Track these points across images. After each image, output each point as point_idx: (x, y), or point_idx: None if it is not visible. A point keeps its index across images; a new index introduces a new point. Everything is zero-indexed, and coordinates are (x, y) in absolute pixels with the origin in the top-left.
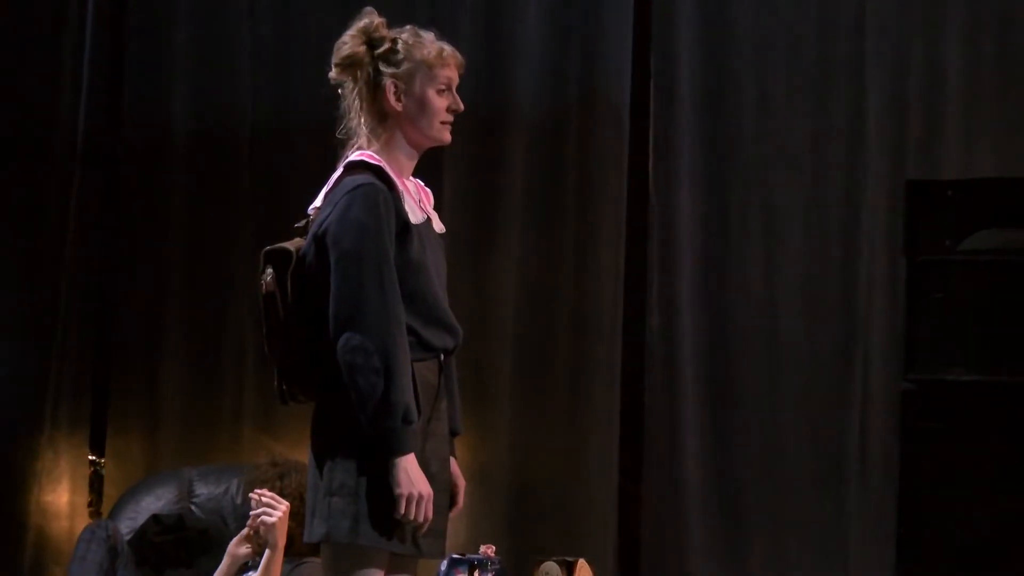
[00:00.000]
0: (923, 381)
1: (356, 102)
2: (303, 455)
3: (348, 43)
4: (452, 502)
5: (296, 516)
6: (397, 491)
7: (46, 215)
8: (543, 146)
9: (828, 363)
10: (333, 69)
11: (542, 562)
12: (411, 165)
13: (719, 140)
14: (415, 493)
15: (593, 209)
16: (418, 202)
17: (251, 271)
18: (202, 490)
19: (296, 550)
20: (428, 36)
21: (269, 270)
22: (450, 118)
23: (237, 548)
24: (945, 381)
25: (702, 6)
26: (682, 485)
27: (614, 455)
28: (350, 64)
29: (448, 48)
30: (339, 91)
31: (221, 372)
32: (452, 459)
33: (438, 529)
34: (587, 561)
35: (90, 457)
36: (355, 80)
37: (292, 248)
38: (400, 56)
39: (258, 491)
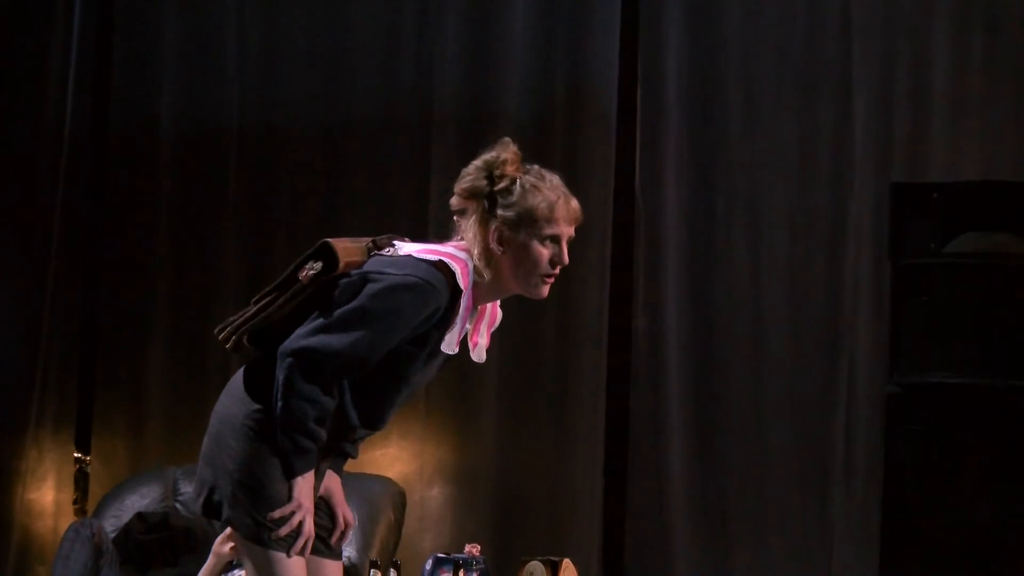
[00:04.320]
0: (907, 384)
1: (471, 233)
2: None
3: (472, 175)
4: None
5: None
6: (291, 504)
7: (33, 214)
8: (530, 147)
9: (813, 365)
10: (455, 195)
11: (527, 562)
12: (494, 299)
13: (705, 142)
14: (305, 505)
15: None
16: (462, 329)
17: (237, 269)
18: (187, 489)
19: None
20: (549, 183)
21: (317, 264)
22: (551, 271)
23: (222, 547)
24: (929, 383)
25: (689, 8)
26: (667, 486)
27: (599, 456)
28: (468, 195)
29: (563, 201)
30: (454, 217)
31: (206, 371)
32: (336, 477)
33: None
34: (571, 561)
35: (76, 455)
36: (472, 210)
37: (342, 259)
38: (513, 199)
39: None
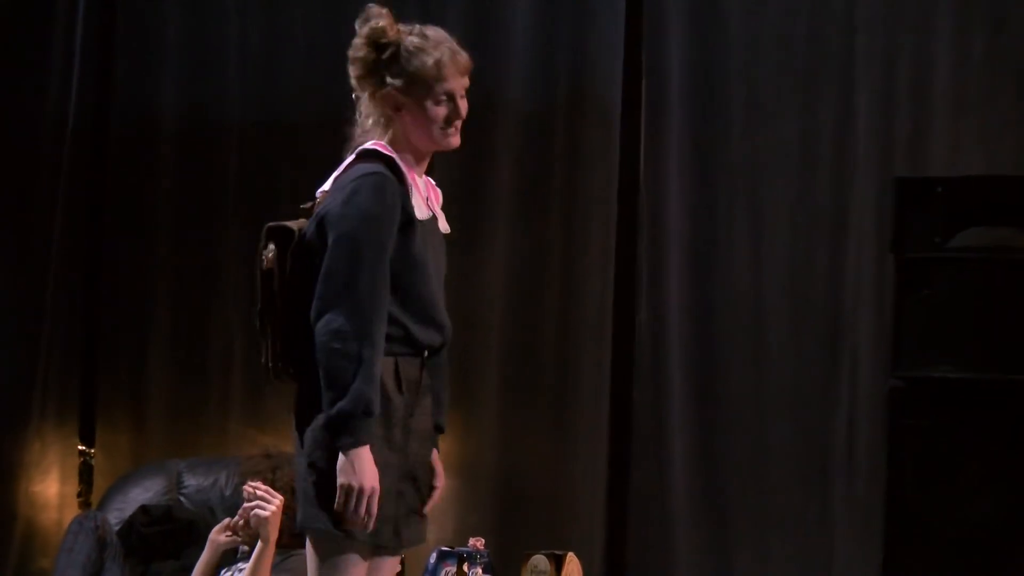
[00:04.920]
0: (910, 378)
1: (367, 105)
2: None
3: (356, 48)
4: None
5: (287, 510)
6: (340, 480)
7: (34, 209)
8: (532, 142)
9: (815, 360)
10: (351, 75)
11: (531, 556)
12: (421, 165)
13: (708, 136)
14: (356, 486)
15: (582, 206)
16: (426, 200)
17: (238, 264)
18: (191, 482)
19: (284, 543)
20: (433, 40)
21: (271, 247)
22: (451, 127)
23: (219, 535)
24: (932, 378)
25: (693, 2)
26: (670, 481)
27: (603, 450)
28: (358, 70)
29: (448, 57)
30: (352, 95)
31: (210, 364)
32: (435, 454)
33: (406, 521)
34: (575, 555)
35: (80, 448)
36: (365, 84)
37: (294, 227)
38: (399, 66)
39: (252, 484)
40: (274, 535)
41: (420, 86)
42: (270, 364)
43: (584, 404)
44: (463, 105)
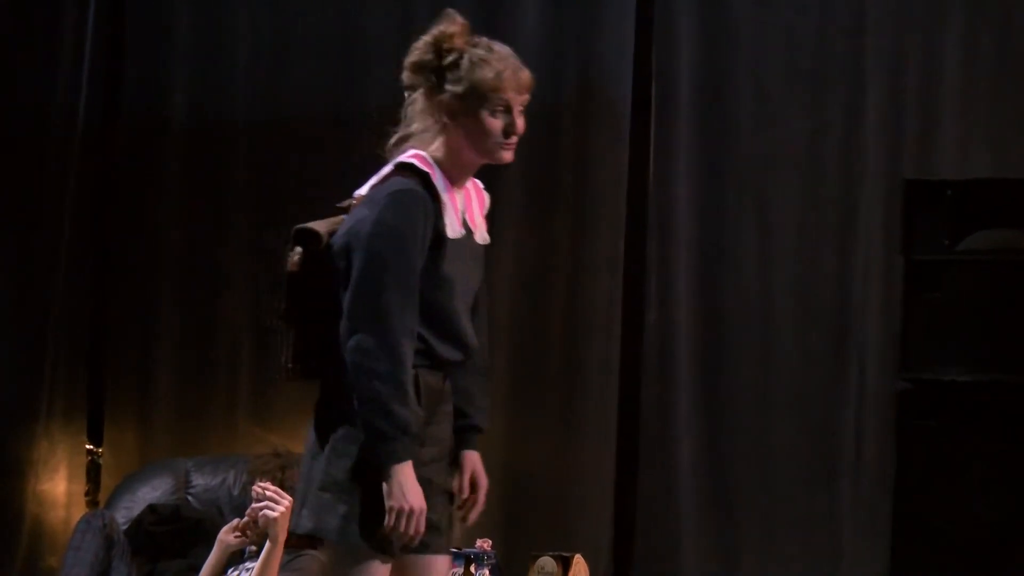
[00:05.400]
0: (918, 380)
1: (418, 107)
2: (300, 447)
3: (420, 49)
4: (454, 501)
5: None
6: (388, 503)
7: (43, 204)
8: (541, 143)
9: (823, 361)
10: (404, 70)
11: (538, 557)
12: (465, 176)
13: (717, 136)
14: (406, 507)
15: (591, 206)
16: (460, 213)
17: (246, 263)
18: (199, 481)
19: (292, 543)
20: (497, 54)
21: (298, 249)
22: (505, 140)
23: (228, 535)
24: (940, 380)
25: (701, 2)
26: (677, 481)
27: (610, 450)
28: (416, 70)
29: (510, 71)
30: (405, 92)
31: (217, 362)
32: (475, 455)
33: (432, 530)
34: (582, 556)
35: (87, 446)
36: (421, 86)
37: (323, 231)
38: (461, 73)
39: (261, 484)
40: (283, 535)
41: (478, 96)
42: (288, 365)
43: (592, 403)
44: (520, 121)
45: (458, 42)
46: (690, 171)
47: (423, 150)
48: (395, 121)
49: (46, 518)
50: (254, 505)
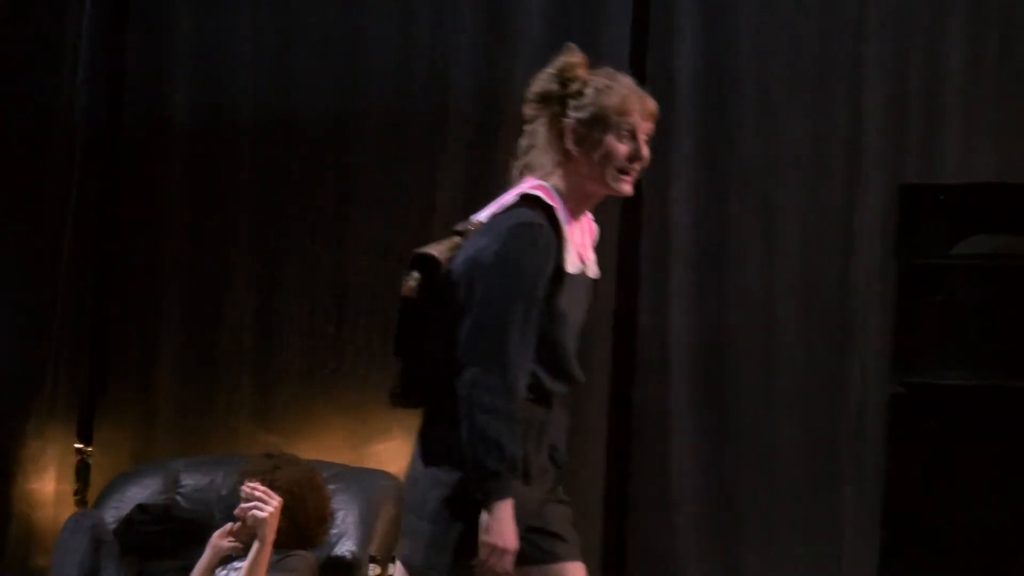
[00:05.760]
0: (914, 384)
1: (541, 138)
2: (297, 449)
3: (543, 80)
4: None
5: (286, 511)
6: (483, 538)
7: (44, 204)
8: None
9: (822, 365)
10: (526, 103)
11: None
12: (583, 209)
13: (717, 139)
14: (500, 544)
15: None
16: (577, 246)
17: (248, 262)
18: (188, 481)
19: (282, 543)
20: (621, 82)
21: (415, 274)
22: (629, 166)
23: (220, 540)
24: (937, 385)
25: (702, 4)
26: (671, 484)
27: (602, 452)
28: (540, 100)
29: (636, 96)
30: (524, 126)
31: (215, 364)
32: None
33: (554, 538)
34: None
35: (76, 445)
36: (544, 116)
37: (441, 257)
38: (587, 100)
39: (250, 484)
40: (271, 536)
41: (604, 120)
42: (397, 391)
43: (585, 404)
44: (645, 149)
45: (581, 72)
46: (689, 173)
47: (544, 181)
48: (395, 123)
49: (35, 517)
50: (243, 505)
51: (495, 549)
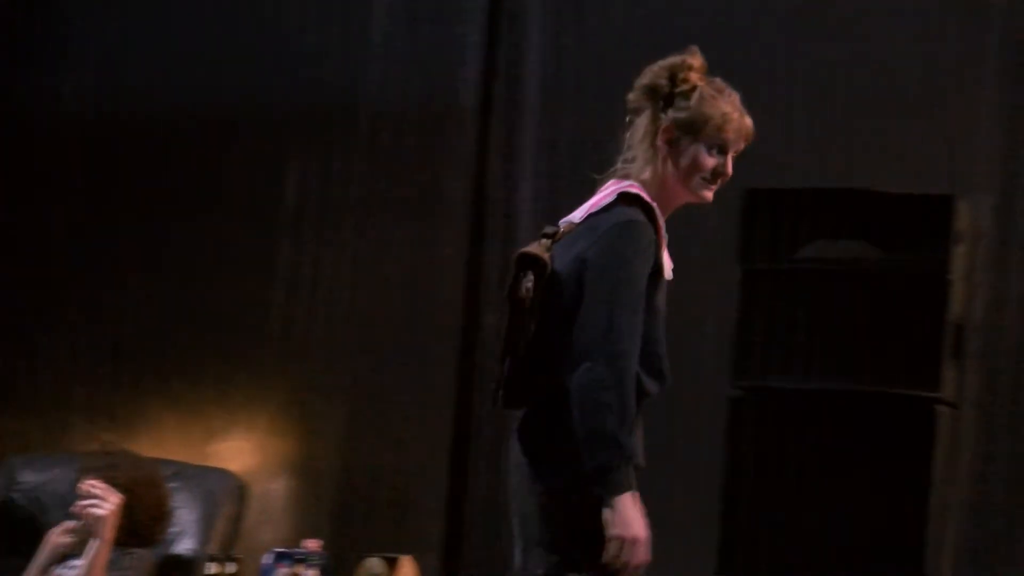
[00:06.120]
0: (750, 387)
1: (640, 131)
2: (133, 445)
3: (654, 72)
4: None
5: (125, 508)
6: (612, 532)
7: None
8: (390, 141)
9: None
10: (633, 92)
11: (365, 558)
12: (668, 210)
13: (562, 139)
14: (630, 536)
15: (433, 208)
16: (665, 245)
17: (77, 259)
18: (27, 478)
19: (121, 540)
20: (729, 97)
21: (530, 275)
22: (713, 179)
23: (58, 538)
24: (774, 388)
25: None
26: (504, 484)
27: (444, 451)
28: (646, 92)
29: (738, 115)
30: (627, 117)
31: (52, 360)
32: None
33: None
34: (414, 557)
35: None
36: (647, 110)
37: (546, 257)
38: (690, 103)
39: (89, 481)
40: (109, 533)
41: (700, 128)
42: (501, 392)
43: (437, 401)
44: (730, 166)
45: (694, 76)
46: (536, 171)
47: (636, 179)
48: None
49: None
50: (79, 502)
51: (625, 541)
